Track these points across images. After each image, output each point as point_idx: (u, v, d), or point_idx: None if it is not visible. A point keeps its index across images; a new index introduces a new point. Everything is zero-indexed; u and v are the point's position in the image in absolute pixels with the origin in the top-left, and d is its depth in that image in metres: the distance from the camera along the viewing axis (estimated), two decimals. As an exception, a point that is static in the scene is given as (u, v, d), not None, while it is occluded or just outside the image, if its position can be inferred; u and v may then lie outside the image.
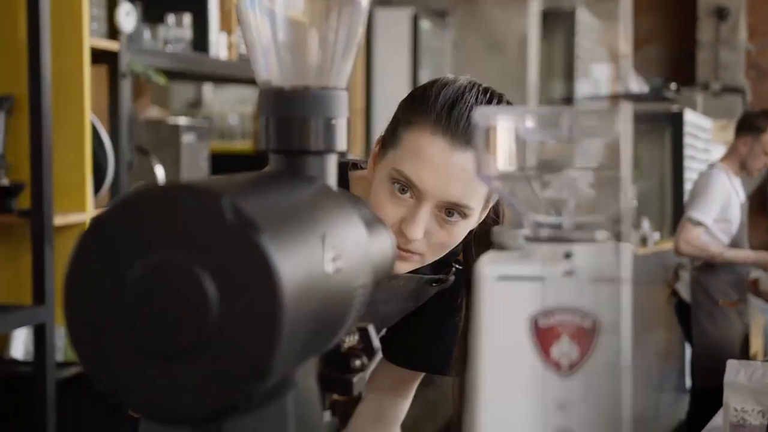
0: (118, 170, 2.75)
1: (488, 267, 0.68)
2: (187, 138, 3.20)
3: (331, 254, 0.68)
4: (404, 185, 1.24)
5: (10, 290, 2.55)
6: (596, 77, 7.11)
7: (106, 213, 0.62)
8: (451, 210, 1.24)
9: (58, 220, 2.46)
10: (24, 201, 2.44)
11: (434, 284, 1.42)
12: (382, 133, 1.32)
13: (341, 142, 0.81)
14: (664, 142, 6.96)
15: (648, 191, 6.55)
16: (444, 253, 1.30)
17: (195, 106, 6.12)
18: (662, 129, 6.82)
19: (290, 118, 0.79)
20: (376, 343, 0.90)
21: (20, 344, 2.66)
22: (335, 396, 1.01)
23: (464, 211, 1.24)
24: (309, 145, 0.79)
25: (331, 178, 0.80)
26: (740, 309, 4.54)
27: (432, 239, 1.26)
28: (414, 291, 1.42)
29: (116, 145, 2.74)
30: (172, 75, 3.32)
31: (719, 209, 4.36)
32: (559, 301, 0.67)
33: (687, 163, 6.88)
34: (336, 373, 0.83)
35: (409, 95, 1.30)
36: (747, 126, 4.44)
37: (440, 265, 1.40)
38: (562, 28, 7.45)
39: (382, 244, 0.85)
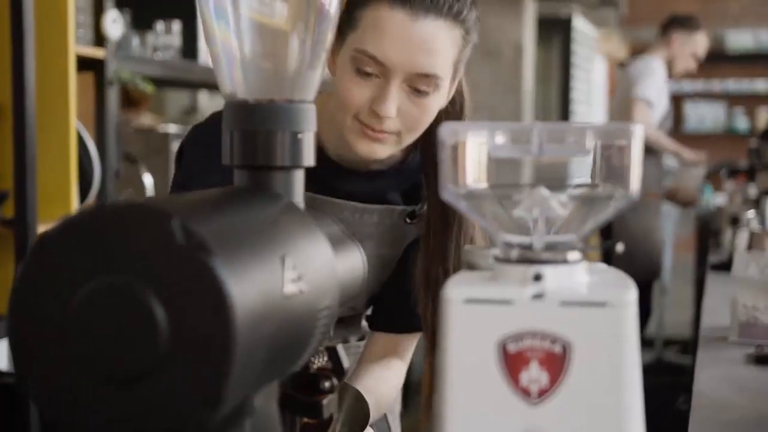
0: (104, 179, 2.72)
1: (455, 289, 0.66)
2: (177, 146, 3.17)
3: (292, 275, 0.66)
4: (368, 65, 1.21)
5: (-8, 300, 2.51)
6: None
7: (54, 231, 0.60)
8: (421, 83, 1.22)
9: (42, 229, 2.43)
10: (7, 210, 2.41)
11: (408, 220, 1.38)
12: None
13: (308, 157, 0.78)
14: (552, 47, 7.09)
15: (538, 97, 6.68)
16: (418, 132, 1.27)
17: (190, 112, 6.09)
18: (551, 33, 6.96)
19: (255, 132, 0.76)
20: (346, 363, 0.87)
21: (3, 355, 2.63)
22: (305, 419, 0.98)
23: (434, 81, 1.22)
24: (274, 161, 0.76)
25: (298, 195, 0.78)
26: (658, 205, 4.58)
27: (405, 116, 1.24)
28: (389, 231, 1.38)
29: (103, 154, 2.72)
30: (161, 82, 3.30)
31: (657, 91, 4.43)
32: (528, 326, 0.65)
33: (572, 71, 7.04)
34: (304, 395, 0.81)
35: None
36: (680, 24, 4.51)
37: (411, 199, 1.39)
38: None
39: (351, 261, 0.82)
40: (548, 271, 0.65)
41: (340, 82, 1.25)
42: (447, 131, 0.67)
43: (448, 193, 0.68)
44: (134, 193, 2.99)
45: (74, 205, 2.56)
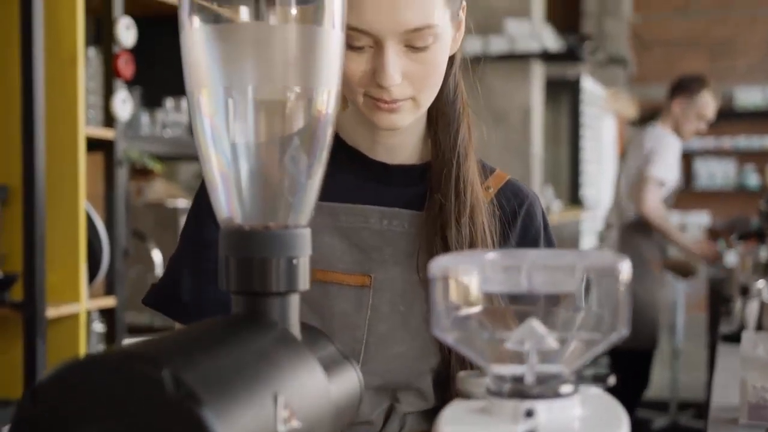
0: (113, 258, 2.73)
1: (449, 427, 0.66)
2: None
3: (285, 413, 0.66)
4: (357, 39, 1.13)
5: (1, 384, 2.52)
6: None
7: (45, 381, 0.60)
8: (416, 39, 1.13)
9: (51, 312, 2.44)
10: (17, 292, 2.42)
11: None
12: None
13: (304, 281, 0.79)
14: (561, 108, 7.13)
15: (548, 158, 6.70)
16: (434, 90, 1.18)
17: (201, 177, 6.13)
18: (560, 95, 7.00)
19: (250, 258, 0.77)
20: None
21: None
22: None
23: (429, 32, 1.13)
24: (270, 287, 0.77)
25: (293, 319, 0.78)
26: (661, 275, 4.55)
27: (413, 78, 1.15)
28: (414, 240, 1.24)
29: (112, 232, 2.73)
30: (170, 157, 3.33)
31: (672, 170, 4.43)
32: (521, 463, 0.64)
33: (582, 131, 7.07)
34: None
35: None
36: (682, 88, 4.53)
37: None
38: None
39: (347, 383, 0.82)
40: (540, 407, 0.65)
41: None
42: (437, 267, 0.68)
43: (437, 326, 0.68)
44: (143, 269, 3.00)
45: (83, 286, 2.57)
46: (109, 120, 2.73)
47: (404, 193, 1.27)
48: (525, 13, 5.67)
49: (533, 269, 0.66)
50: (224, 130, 0.78)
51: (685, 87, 4.56)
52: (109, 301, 2.77)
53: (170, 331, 0.71)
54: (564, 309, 0.69)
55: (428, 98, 1.19)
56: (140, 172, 3.49)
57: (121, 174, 2.75)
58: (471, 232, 1.23)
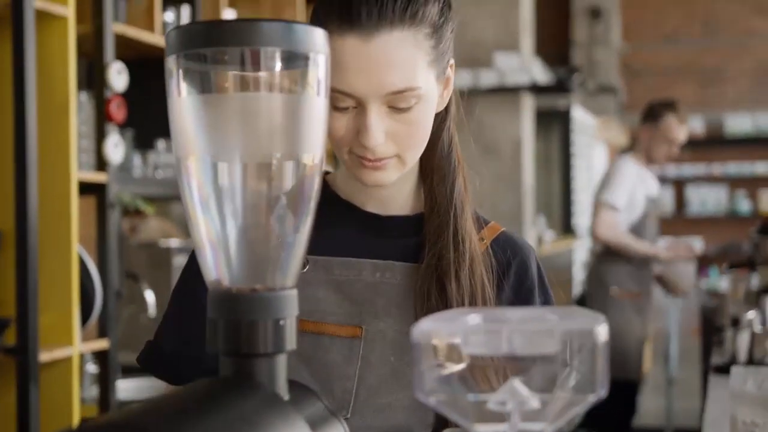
0: (106, 300, 2.74)
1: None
2: (179, 260, 3.20)
3: (272, 477, 0.67)
4: (341, 100, 1.14)
5: (-6, 429, 2.52)
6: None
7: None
8: (398, 101, 1.14)
9: (44, 356, 2.45)
10: (9, 337, 2.43)
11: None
12: None
13: (291, 341, 0.80)
14: (552, 138, 7.18)
15: (540, 188, 6.73)
16: (419, 148, 1.20)
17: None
18: (550, 124, 7.06)
19: (238, 320, 0.79)
20: None
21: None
22: None
23: (411, 94, 1.14)
24: (257, 348, 0.79)
25: (281, 379, 0.80)
26: (640, 304, 4.54)
27: (396, 138, 1.16)
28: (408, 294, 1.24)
29: (104, 275, 2.75)
30: (163, 198, 3.35)
31: (627, 195, 4.47)
32: None
33: (573, 161, 7.12)
34: None
35: (312, 12, 1.21)
36: (647, 115, 4.61)
37: None
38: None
39: (335, 441, 0.83)
40: (523, 468, 0.67)
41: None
42: (419, 331, 0.69)
43: (420, 389, 0.70)
44: (136, 310, 3.01)
45: (76, 330, 2.58)
46: (101, 164, 2.75)
47: (398, 245, 1.28)
48: (514, 46, 5.72)
49: (514, 333, 0.68)
50: (212, 195, 0.80)
51: (650, 113, 4.62)
52: (102, 344, 2.78)
53: (158, 396, 0.72)
54: (544, 370, 0.71)
55: (413, 156, 1.21)
56: (134, 211, 3.50)
57: (114, 217, 2.77)
58: (471, 284, 1.23)
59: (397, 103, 1.15)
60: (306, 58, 0.80)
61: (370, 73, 1.12)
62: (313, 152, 0.82)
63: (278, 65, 0.78)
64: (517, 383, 0.69)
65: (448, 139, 1.28)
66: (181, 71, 0.79)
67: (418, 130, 1.18)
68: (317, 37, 0.81)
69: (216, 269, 0.82)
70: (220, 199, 0.81)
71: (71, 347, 2.56)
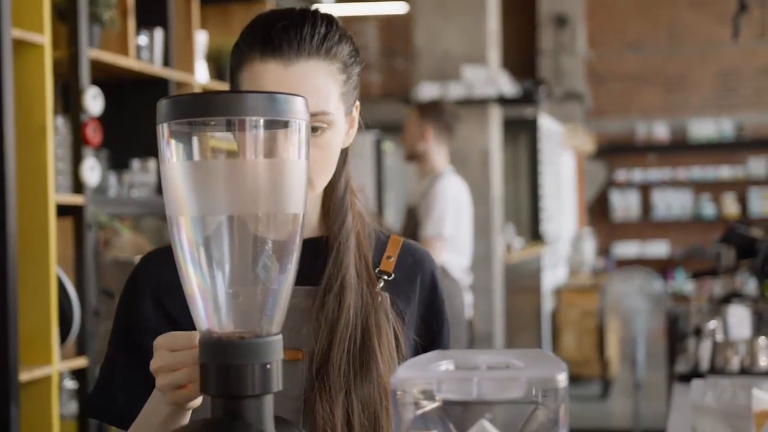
0: (84, 318, 2.79)
1: None
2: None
3: None
4: None
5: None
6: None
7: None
8: (312, 121, 1.19)
9: (24, 375, 2.50)
10: (-11, 358, 2.47)
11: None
12: None
13: (277, 383, 0.88)
14: (519, 146, 7.31)
15: (508, 196, 6.84)
16: (327, 174, 1.27)
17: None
18: (518, 133, 7.19)
19: (228, 365, 0.86)
20: None
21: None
22: None
23: (325, 118, 1.23)
24: (246, 391, 0.86)
25: (268, 418, 0.87)
26: None
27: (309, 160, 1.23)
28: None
29: (82, 294, 2.79)
30: (139, 215, 3.40)
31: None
32: None
33: (540, 168, 7.27)
34: None
35: (234, 45, 1.28)
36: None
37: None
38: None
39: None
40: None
41: None
42: (397, 380, 0.76)
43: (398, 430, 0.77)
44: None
45: (55, 348, 2.63)
46: (78, 186, 2.80)
47: (304, 268, 1.32)
48: (481, 59, 5.80)
49: (483, 379, 0.76)
50: (202, 251, 0.87)
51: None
52: (80, 362, 2.83)
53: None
54: (511, 411, 0.78)
55: (322, 182, 1.27)
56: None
57: (90, 238, 2.82)
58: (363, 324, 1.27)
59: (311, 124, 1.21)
60: (286, 125, 0.87)
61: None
62: (296, 207, 0.90)
63: (261, 132, 0.86)
64: (486, 423, 0.77)
65: (344, 183, 1.34)
66: (172, 138, 0.86)
67: (328, 154, 1.25)
68: (298, 105, 0.88)
69: (207, 320, 0.89)
70: (209, 252, 0.88)
71: (50, 366, 2.61)
